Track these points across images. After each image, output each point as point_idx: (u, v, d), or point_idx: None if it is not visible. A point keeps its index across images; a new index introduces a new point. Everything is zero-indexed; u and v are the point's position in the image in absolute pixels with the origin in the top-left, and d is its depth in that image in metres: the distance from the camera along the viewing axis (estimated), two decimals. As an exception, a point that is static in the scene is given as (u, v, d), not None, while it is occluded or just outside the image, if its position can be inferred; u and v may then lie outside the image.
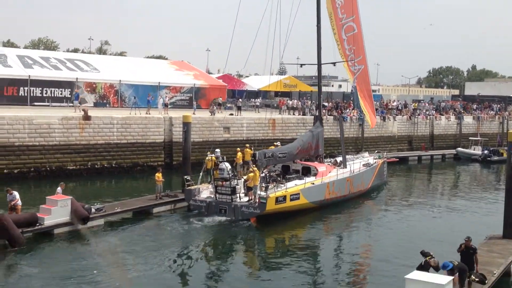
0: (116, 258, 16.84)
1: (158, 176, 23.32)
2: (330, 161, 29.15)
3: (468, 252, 14.11)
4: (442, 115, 52.11)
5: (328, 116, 42.60)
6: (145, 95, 39.08)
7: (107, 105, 41.13)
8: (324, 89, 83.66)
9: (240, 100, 43.96)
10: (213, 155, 24.12)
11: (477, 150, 45.86)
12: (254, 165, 23.06)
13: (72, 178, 29.10)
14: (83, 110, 32.01)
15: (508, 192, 18.59)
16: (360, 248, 19.77)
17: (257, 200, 21.63)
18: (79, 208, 19.53)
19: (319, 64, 29.42)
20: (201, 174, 24.01)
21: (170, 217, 22.41)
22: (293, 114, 43.24)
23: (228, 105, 47.23)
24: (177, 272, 16.13)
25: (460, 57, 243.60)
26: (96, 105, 39.98)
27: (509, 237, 18.01)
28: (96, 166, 31.10)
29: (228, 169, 22.58)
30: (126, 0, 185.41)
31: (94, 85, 41.17)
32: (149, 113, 34.89)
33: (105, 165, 31.45)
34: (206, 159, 24.36)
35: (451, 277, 12.20)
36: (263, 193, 21.80)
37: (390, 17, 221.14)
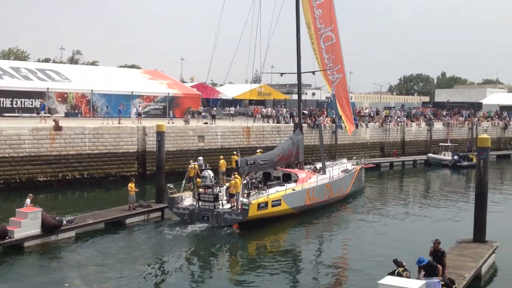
0: (89, 271, 16.55)
1: (131, 186, 23.13)
2: (310, 168, 29.65)
3: (436, 255, 14.30)
4: (413, 121, 52.92)
5: (302, 124, 42.84)
6: (118, 104, 38.76)
7: (79, 115, 40.62)
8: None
9: (215, 108, 43.95)
10: (196, 163, 24.53)
11: (447, 156, 46.67)
12: (236, 172, 23.48)
13: (42, 190, 28.63)
14: (54, 120, 31.54)
15: (478, 196, 18.99)
16: (339, 253, 20.17)
17: (240, 207, 21.98)
18: (48, 219, 19.20)
19: (299, 73, 30.15)
20: (183, 182, 24.21)
21: (143, 228, 22.17)
22: (268, 122, 43.39)
23: (203, 113, 47.17)
24: (154, 284, 15.94)
25: (430, 64, 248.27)
26: (68, 115, 39.46)
27: (479, 241, 18.36)
28: (67, 177, 30.61)
29: (211, 177, 22.97)
30: (99, 9, 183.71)
31: (65, 95, 40.66)
32: (121, 123, 34.60)
33: (77, 176, 30.99)
34: (189, 167, 24.52)
35: (423, 282, 12.38)
36: (245, 200, 22.22)
37: (363, 26, 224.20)
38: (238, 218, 21.91)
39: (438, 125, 54.11)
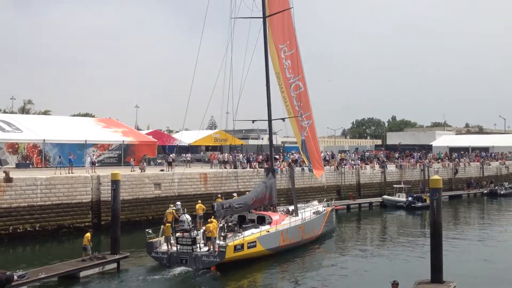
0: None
1: (87, 236, 22.50)
2: (283, 210, 30.84)
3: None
4: (367, 164, 53.96)
5: (259, 169, 43.07)
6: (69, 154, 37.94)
7: (31, 166, 39.50)
8: (254, 142, 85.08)
9: (171, 155, 43.64)
10: (174, 207, 25.58)
11: (401, 197, 47.62)
12: (212, 216, 24.35)
13: (-9, 244, 27.37)
14: (4, 172, 30.53)
15: (433, 237, 19.35)
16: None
17: (217, 249, 22.71)
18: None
19: (270, 120, 31.59)
20: (161, 227, 24.52)
21: (99, 280, 21.41)
22: (225, 167, 43.34)
23: (159, 161, 46.73)
24: None
25: (381, 108, 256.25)
26: (19, 166, 38.33)
27: (437, 281, 18.60)
28: (18, 230, 29.39)
29: (189, 221, 23.79)
30: (51, 58, 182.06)
31: (16, 146, 39.58)
32: (72, 172, 33.82)
33: (28, 228, 29.81)
34: (167, 211, 25.43)
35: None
36: (222, 242, 23.06)
37: (317, 71, 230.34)
38: (216, 260, 22.57)
39: (391, 167, 55.38)
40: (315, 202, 35.23)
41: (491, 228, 37.35)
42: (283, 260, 25.43)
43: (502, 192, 58.08)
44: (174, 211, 25.26)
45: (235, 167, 43.03)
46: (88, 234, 22.68)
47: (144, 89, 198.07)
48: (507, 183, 62.00)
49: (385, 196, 48.95)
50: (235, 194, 31.38)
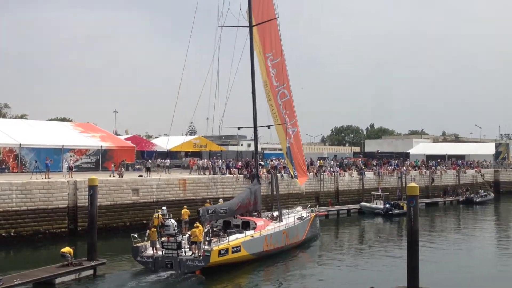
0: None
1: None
2: (267, 216, 31.35)
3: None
4: (346, 171, 54.35)
5: (238, 175, 43.04)
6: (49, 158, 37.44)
7: (6, 171, 38.85)
8: (233, 148, 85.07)
9: (150, 161, 43.35)
10: (159, 212, 25.83)
11: (379, 204, 48.02)
12: (198, 221, 24.75)
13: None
14: (-21, 176, 29.98)
15: (409, 243, 19.55)
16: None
17: (202, 253, 23.04)
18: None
19: (255, 127, 32.14)
20: (147, 231, 24.65)
21: (75, 287, 21.16)
22: (204, 174, 43.22)
23: (137, 166, 46.38)
24: None
25: (360, 116, 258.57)
26: (-6, 170, 37.64)
27: (413, 287, 18.79)
28: (-8, 236, 28.87)
29: (174, 226, 24.08)
30: (28, 62, 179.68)
31: (-9, 149, 38.86)
32: (48, 177, 33.37)
33: (3, 234, 29.23)
34: (153, 216, 25.78)
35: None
36: (206, 247, 23.36)
37: (302, 79, 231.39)
38: (201, 264, 22.92)
39: (369, 175, 55.86)
40: (299, 208, 35.78)
41: (467, 235, 37.93)
42: (267, 265, 25.88)
43: (477, 200, 58.98)
44: (160, 215, 25.51)
45: (215, 173, 42.93)
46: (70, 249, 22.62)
47: (123, 94, 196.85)
48: (482, 191, 63.03)
49: (363, 203, 49.31)
50: (221, 200, 31.67)
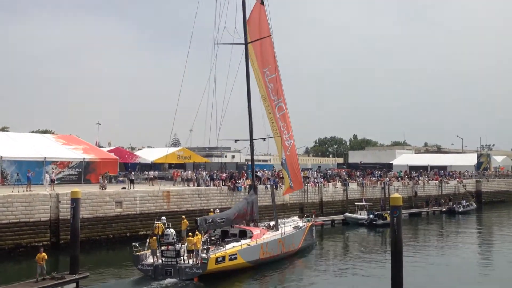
0: None
1: (39, 256, 21.80)
2: (264, 225, 32.29)
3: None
4: (330, 182, 54.53)
5: (222, 187, 42.93)
6: (31, 171, 36.97)
7: (-14, 183, 38.24)
8: (217, 159, 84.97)
9: (133, 173, 43.06)
10: (159, 222, 26.89)
11: (363, 215, 48.23)
12: (196, 231, 25.95)
13: None
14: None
15: (393, 254, 19.65)
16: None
17: (199, 261, 24.05)
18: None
19: (251, 140, 33.30)
20: (148, 240, 25.67)
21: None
22: (188, 185, 43.04)
23: (120, 178, 46.01)
24: None
25: (343, 127, 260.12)
26: (-26, 183, 37.03)
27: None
28: (-28, 250, 28.37)
29: (173, 235, 25.31)
30: (9, 74, 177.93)
31: (-29, 162, 38.28)
32: (30, 190, 32.96)
33: (-17, 248, 28.79)
34: (154, 225, 26.97)
35: None
36: (204, 255, 24.32)
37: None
38: (198, 272, 23.90)
39: (353, 185, 56.10)
40: (296, 218, 37.07)
41: (450, 245, 38.23)
42: (263, 273, 26.67)
43: (460, 210, 59.57)
44: (160, 225, 26.50)
45: (199, 185, 42.79)
46: (39, 255, 21.90)
47: (106, 106, 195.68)
48: (464, 201, 63.67)
49: (347, 214, 49.47)
50: (218, 210, 32.43)
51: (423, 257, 32.12)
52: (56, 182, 37.16)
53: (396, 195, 20.45)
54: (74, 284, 22.67)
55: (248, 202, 31.42)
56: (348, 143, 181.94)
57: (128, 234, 35.19)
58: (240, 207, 30.76)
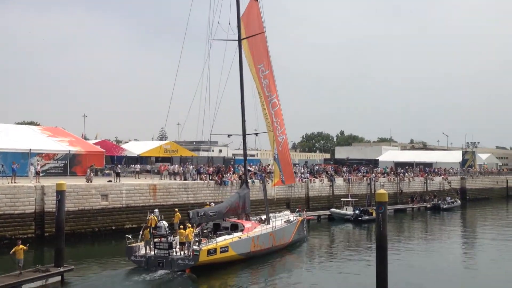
0: None
1: (17, 249, 21.37)
2: (256, 219, 32.79)
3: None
4: (316, 177, 54.71)
5: (209, 181, 42.88)
6: (16, 162, 36.61)
7: (-29, 174, 37.78)
8: (204, 154, 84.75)
9: (119, 166, 42.83)
10: (152, 214, 27.27)
11: (349, 211, 48.48)
12: (188, 223, 26.41)
13: None
14: None
15: (378, 249, 19.76)
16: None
17: (191, 253, 24.57)
18: None
19: (244, 135, 33.74)
20: (141, 232, 26.03)
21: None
22: (175, 179, 42.93)
23: (107, 171, 45.74)
24: None
25: (330, 123, 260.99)
26: (-43, 174, 36.54)
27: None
28: (-45, 241, 28.07)
29: (166, 227, 25.71)
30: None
31: (-45, 153, 37.80)
32: (15, 182, 32.66)
33: (-34, 240, 28.52)
34: (151, 216, 27.23)
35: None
36: (196, 247, 24.79)
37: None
38: (190, 263, 24.40)
39: (339, 181, 56.37)
40: (287, 212, 37.87)
41: (435, 241, 38.62)
42: (254, 265, 27.21)
43: (444, 207, 60.17)
44: (154, 217, 26.93)
45: (185, 179, 42.70)
46: (17, 247, 21.39)
47: (93, 98, 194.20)
48: (449, 198, 64.31)
49: (333, 209, 49.70)
50: (213, 204, 32.80)
51: (408, 252, 32.41)
52: (41, 174, 36.88)
53: (382, 191, 20.57)
54: (59, 277, 22.57)
55: (240, 196, 31.86)
56: (335, 139, 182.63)
57: (113, 227, 35.06)
58: (232, 201, 31.27)
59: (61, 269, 22.80)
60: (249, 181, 45.23)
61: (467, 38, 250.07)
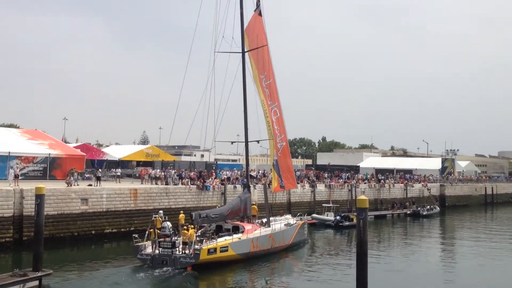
0: None
1: None
2: (257, 222, 34.06)
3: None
4: (298, 183, 54.72)
5: (191, 185, 42.71)
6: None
7: None
8: (187, 158, 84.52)
9: (100, 170, 42.44)
10: (157, 215, 28.83)
11: (330, 216, 48.70)
12: (191, 224, 28.09)
13: None
14: None
15: (358, 255, 19.86)
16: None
17: (193, 252, 26.08)
18: None
19: (246, 142, 35.37)
20: (147, 232, 27.64)
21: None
22: (156, 184, 42.68)
23: (87, 175, 45.29)
24: None
25: (312, 129, 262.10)
26: None
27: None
28: None
29: (169, 227, 27.73)
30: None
31: None
32: (-6, 185, 32.22)
33: None
34: (156, 217, 28.65)
35: None
36: (197, 246, 26.36)
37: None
38: (191, 261, 25.94)
39: (320, 187, 56.59)
40: (289, 216, 39.30)
41: (414, 247, 38.94)
42: (253, 265, 28.37)
43: (424, 213, 60.74)
44: (159, 218, 28.51)
45: (167, 183, 42.49)
46: None
47: (74, 101, 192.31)
48: (428, 205, 64.93)
49: (314, 215, 49.83)
50: (218, 206, 34.61)
51: (388, 258, 32.64)
52: (20, 178, 36.45)
53: (363, 197, 20.70)
54: (37, 282, 22.24)
55: (242, 200, 33.51)
56: (317, 144, 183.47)
57: (93, 232, 34.74)
58: (234, 204, 33.03)
59: (39, 274, 22.45)
60: (231, 186, 45.40)
61: (449, 44, 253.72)
